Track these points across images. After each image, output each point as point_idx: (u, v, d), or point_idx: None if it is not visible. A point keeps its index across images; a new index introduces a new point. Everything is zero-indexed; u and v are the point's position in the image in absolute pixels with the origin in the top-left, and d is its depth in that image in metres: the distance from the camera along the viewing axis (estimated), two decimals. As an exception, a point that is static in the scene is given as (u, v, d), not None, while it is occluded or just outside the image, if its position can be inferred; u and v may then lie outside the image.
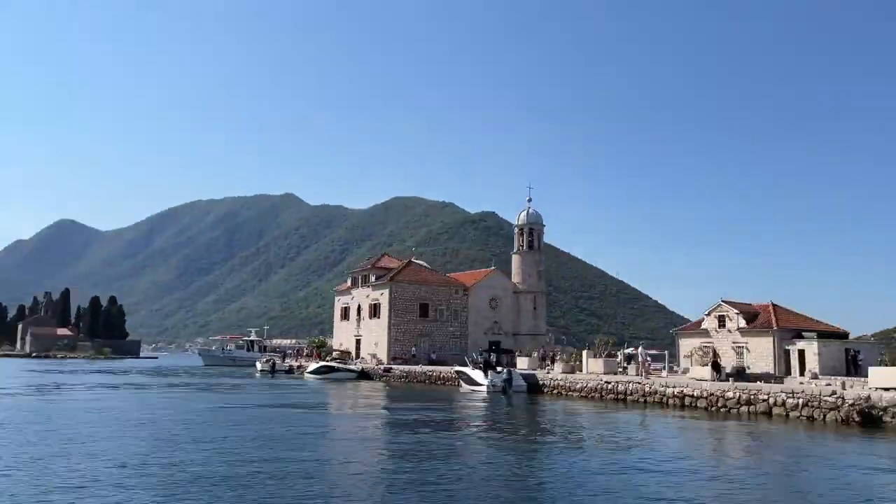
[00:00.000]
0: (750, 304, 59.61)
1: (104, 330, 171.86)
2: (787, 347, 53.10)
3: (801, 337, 52.95)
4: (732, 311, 57.11)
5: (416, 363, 61.79)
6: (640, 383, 35.60)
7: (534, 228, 75.26)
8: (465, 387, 45.55)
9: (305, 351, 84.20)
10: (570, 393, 39.75)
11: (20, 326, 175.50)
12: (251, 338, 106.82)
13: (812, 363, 50.82)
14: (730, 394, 30.59)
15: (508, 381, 41.84)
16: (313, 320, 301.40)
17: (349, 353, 71.28)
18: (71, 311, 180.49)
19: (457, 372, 47.99)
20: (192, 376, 64.31)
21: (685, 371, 45.64)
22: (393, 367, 58.54)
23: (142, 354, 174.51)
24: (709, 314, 59.18)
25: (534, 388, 42.31)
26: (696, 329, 60.16)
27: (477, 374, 44.23)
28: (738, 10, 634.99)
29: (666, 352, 57.77)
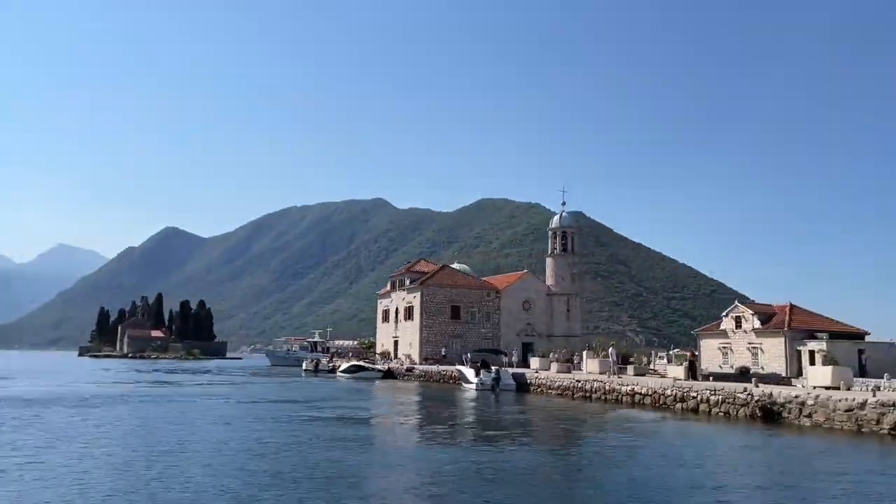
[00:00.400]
0: (769, 305, 59.76)
1: (194, 332, 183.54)
2: (798, 348, 53.25)
3: (814, 338, 52.94)
4: (748, 313, 57.57)
5: (449, 363, 64.77)
6: (601, 382, 37.55)
7: (567, 232, 77.00)
8: (463, 385, 48.43)
9: (358, 351, 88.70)
10: (548, 391, 42.02)
11: (120, 328, 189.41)
12: (314, 339, 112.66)
13: (820, 364, 50.79)
14: (668, 392, 32.29)
15: (497, 379, 44.50)
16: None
17: (388, 353, 75.20)
18: (164, 314, 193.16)
19: (457, 371, 50.93)
20: (245, 375, 69.94)
21: (660, 371, 46.87)
22: (415, 367, 61.88)
23: (228, 355, 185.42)
24: (726, 315, 59.71)
25: (521, 386, 44.77)
26: (715, 330, 60.78)
27: (470, 374, 47.13)
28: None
29: (671, 352, 58.56)
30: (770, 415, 26.49)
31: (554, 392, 41.42)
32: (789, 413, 25.94)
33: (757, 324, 56.31)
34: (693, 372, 39.39)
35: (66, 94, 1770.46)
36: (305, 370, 74.69)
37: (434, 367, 59.38)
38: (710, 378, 39.40)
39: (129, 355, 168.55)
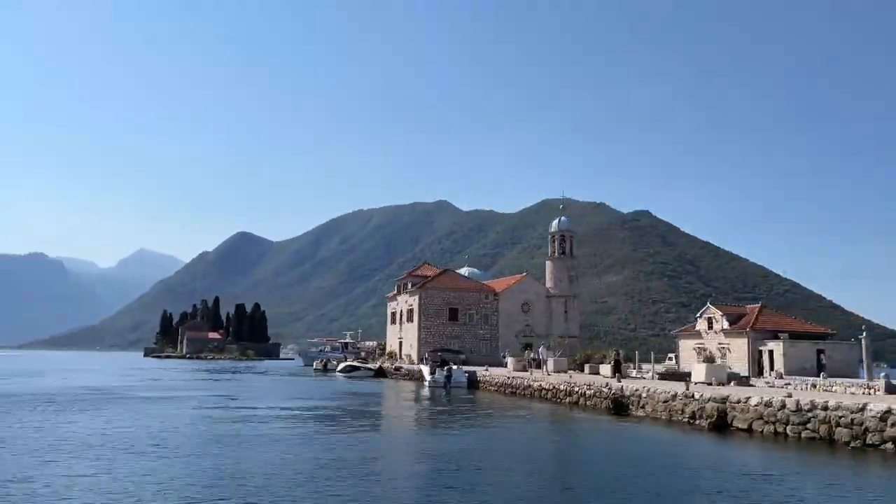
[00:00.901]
0: (741, 307, 61.70)
1: (248, 333, 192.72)
2: (760, 348, 55.09)
3: (776, 338, 54.70)
4: (718, 314, 59.57)
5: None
6: (522, 379, 41.06)
7: (565, 235, 79.93)
8: (423, 382, 52.56)
9: (377, 352, 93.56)
10: (489, 387, 45.67)
11: (180, 330, 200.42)
12: (346, 340, 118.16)
13: (779, 363, 52.73)
14: (561, 387, 35.61)
15: (448, 377, 48.35)
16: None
17: (395, 353, 79.70)
18: (222, 317, 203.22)
19: (418, 370, 55.06)
20: (278, 374, 75.42)
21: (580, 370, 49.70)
22: (402, 366, 66.13)
23: (281, 356, 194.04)
24: (700, 316, 61.77)
25: (472, 383, 48.48)
26: (692, 331, 62.87)
27: (426, 372, 51.18)
28: None
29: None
30: (620, 406, 29.62)
31: (493, 388, 45.02)
32: (632, 405, 29.05)
33: (726, 324, 58.32)
34: (618, 370, 42.30)
35: (146, 108, 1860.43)
36: (315, 370, 79.96)
37: (415, 367, 63.46)
38: (654, 377, 42.18)
39: (187, 356, 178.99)
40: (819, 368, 52.32)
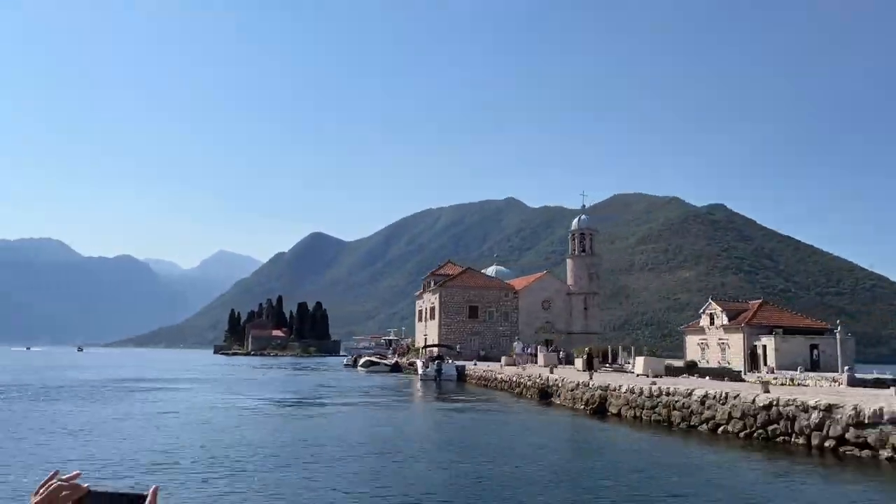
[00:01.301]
0: (743, 303, 62.52)
1: (310, 331, 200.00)
2: (755, 343, 56.11)
3: (772, 334, 55.62)
4: (718, 310, 60.66)
5: (465, 359, 71.94)
6: (492, 372, 43.93)
7: (585, 234, 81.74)
8: (418, 375, 56.08)
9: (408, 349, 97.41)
10: (471, 380, 48.67)
11: (246, 328, 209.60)
12: (389, 337, 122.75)
13: (771, 358, 53.78)
14: (514, 379, 38.40)
15: (438, 370, 51.59)
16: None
17: (420, 349, 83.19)
18: (286, 315, 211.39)
19: (415, 364, 58.49)
20: (328, 369, 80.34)
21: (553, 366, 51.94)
22: (416, 362, 69.51)
23: (341, 353, 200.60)
24: (703, 312, 62.94)
25: (461, 376, 51.58)
26: (697, 327, 64.08)
27: (420, 366, 54.56)
28: None
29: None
30: (545, 395, 32.33)
31: (475, 381, 48.00)
32: (554, 394, 31.70)
33: (725, 320, 59.39)
34: (590, 364, 44.61)
35: (226, 118, 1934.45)
36: (345, 365, 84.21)
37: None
38: (605, 369, 44.47)
39: (252, 353, 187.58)
40: (812, 363, 53.14)
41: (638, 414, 23.97)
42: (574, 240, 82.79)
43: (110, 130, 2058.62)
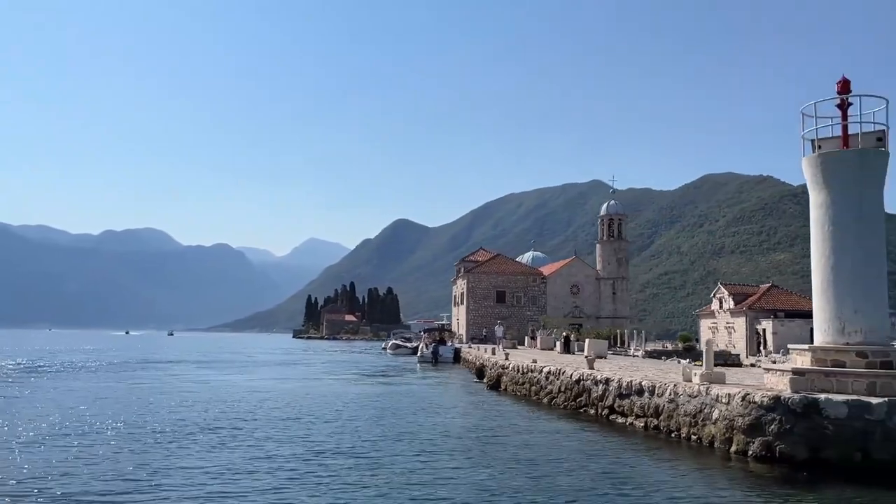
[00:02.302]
0: (753, 287, 62.75)
1: (381, 315, 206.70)
2: (756, 327, 56.74)
3: (776, 318, 56.10)
4: (726, 294, 61.34)
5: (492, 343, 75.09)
6: (470, 353, 46.85)
7: (613, 219, 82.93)
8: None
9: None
10: (465, 362, 51.71)
11: (321, 313, 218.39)
12: (442, 322, 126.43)
13: (770, 341, 54.44)
14: (471, 359, 41.27)
15: (435, 352, 55.03)
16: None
17: (454, 333, 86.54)
18: (359, 300, 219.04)
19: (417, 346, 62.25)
20: (351, 352, 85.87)
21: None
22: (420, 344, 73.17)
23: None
24: (714, 296, 63.62)
25: (457, 357, 54.74)
26: (708, 311, 64.81)
27: (421, 348, 58.10)
28: None
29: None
30: (481, 374, 35.18)
31: (467, 362, 51.07)
32: (486, 372, 34.49)
33: (731, 304, 60.02)
34: (567, 347, 46.83)
35: (314, 112, 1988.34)
36: (382, 348, 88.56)
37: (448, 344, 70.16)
38: (643, 356, 46.59)
39: (325, 337, 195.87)
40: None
41: (515, 388, 26.64)
42: (603, 225, 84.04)
43: (212, 126, 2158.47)
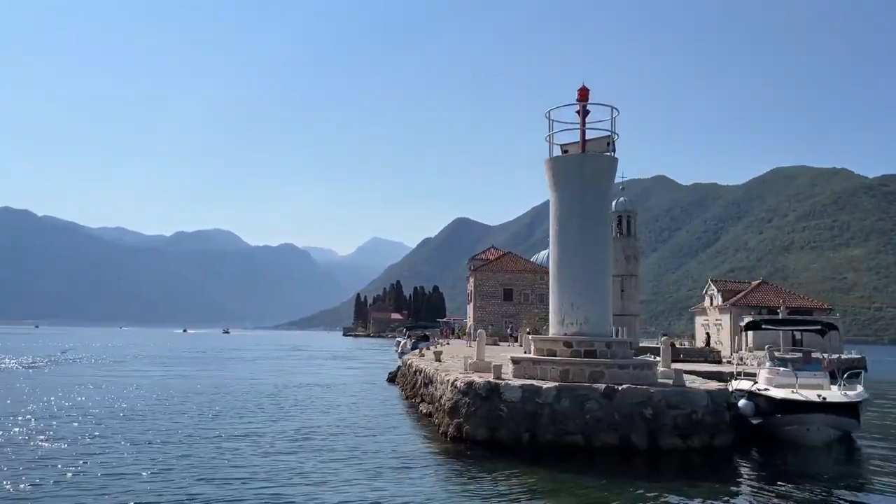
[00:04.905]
0: (744, 283, 62.44)
1: (426, 313, 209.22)
2: (741, 325, 56.56)
3: (759, 315, 55.87)
4: (715, 290, 61.27)
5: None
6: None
7: (622, 216, 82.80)
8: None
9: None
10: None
11: (369, 312, 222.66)
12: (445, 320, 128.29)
13: (751, 339, 54.31)
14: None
15: (414, 347, 56.77)
16: (684, 303, 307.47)
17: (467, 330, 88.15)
18: (404, 299, 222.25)
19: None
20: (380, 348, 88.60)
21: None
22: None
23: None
24: (705, 293, 63.54)
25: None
26: (702, 307, 64.75)
27: (402, 342, 60.21)
28: None
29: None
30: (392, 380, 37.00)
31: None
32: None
33: (720, 301, 59.89)
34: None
35: (372, 117, 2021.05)
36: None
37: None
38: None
39: (371, 335, 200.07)
40: (794, 344, 52.92)
41: (402, 381, 28.37)
42: (612, 221, 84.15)
43: (277, 130, 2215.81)
